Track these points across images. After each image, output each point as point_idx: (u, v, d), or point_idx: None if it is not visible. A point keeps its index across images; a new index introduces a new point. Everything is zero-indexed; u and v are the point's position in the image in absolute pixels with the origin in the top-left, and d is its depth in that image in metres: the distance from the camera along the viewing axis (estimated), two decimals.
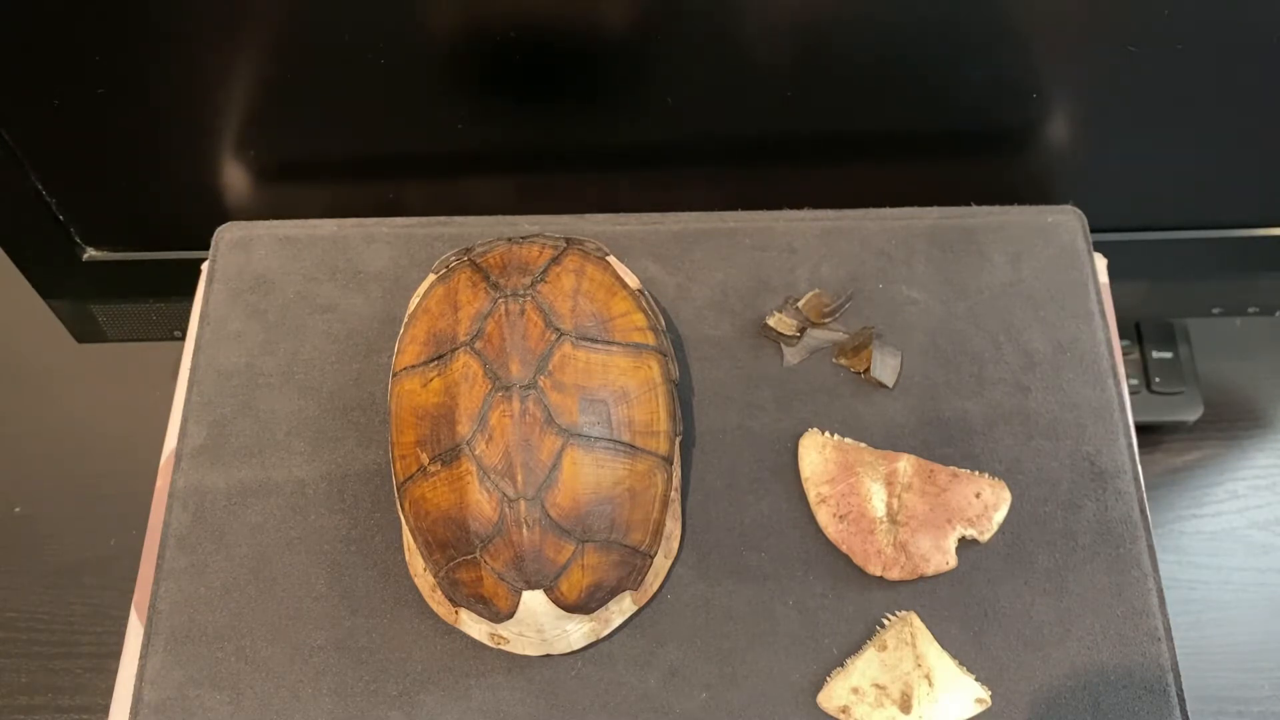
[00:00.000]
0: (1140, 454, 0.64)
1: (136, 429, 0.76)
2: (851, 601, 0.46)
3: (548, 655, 0.45)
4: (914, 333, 0.51)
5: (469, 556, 0.42)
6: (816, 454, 0.48)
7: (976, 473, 0.47)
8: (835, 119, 0.54)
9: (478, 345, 0.42)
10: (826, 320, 0.51)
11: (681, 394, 0.50)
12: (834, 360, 0.51)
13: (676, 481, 0.46)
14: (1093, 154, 0.56)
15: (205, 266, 0.54)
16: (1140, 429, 0.74)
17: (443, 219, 0.54)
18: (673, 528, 0.46)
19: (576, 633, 0.43)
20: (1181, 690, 0.44)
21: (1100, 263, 0.54)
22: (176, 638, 0.45)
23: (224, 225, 0.54)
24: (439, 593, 0.44)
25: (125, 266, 0.62)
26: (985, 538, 0.46)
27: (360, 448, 0.49)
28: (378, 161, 0.56)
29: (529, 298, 0.43)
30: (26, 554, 0.71)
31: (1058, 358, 0.50)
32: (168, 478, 0.49)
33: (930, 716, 0.43)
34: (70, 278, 0.62)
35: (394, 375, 0.45)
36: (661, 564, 0.45)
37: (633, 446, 0.43)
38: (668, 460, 0.44)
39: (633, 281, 0.47)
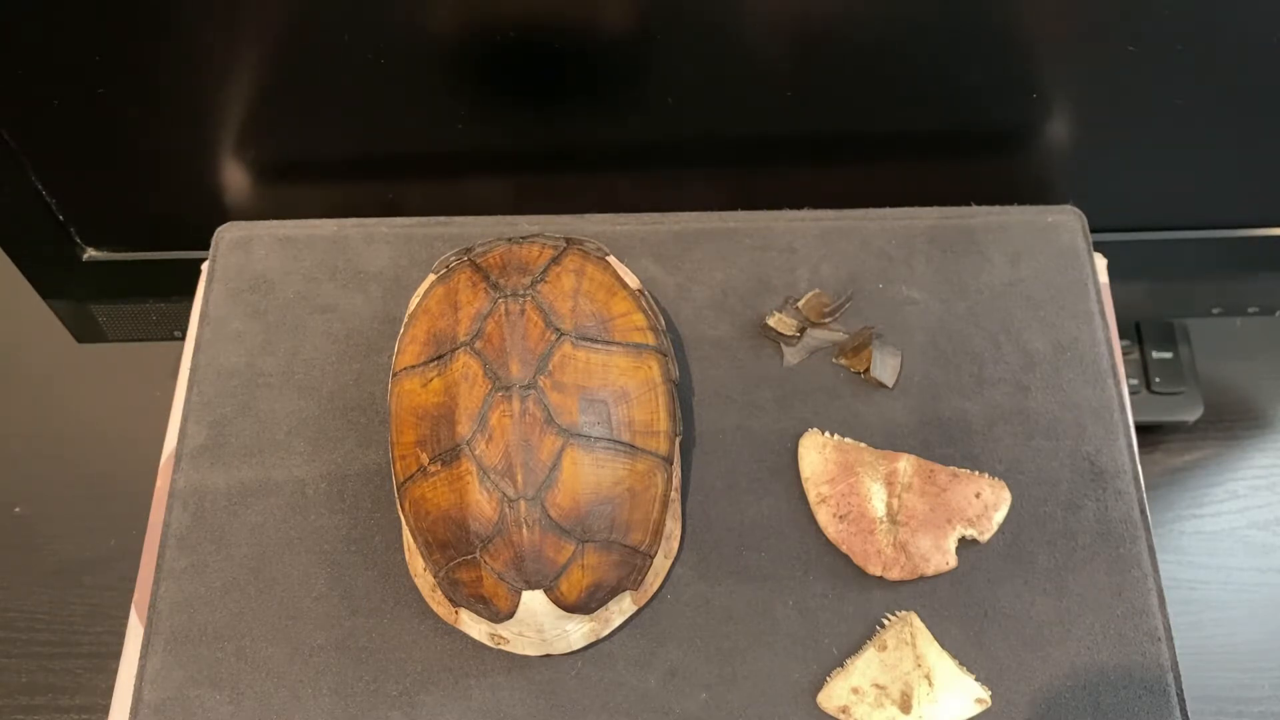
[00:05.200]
0: (1140, 454, 0.64)
1: (136, 429, 0.76)
2: (851, 601, 0.46)
3: (548, 655, 0.45)
4: (914, 333, 0.51)
5: (469, 556, 0.42)
6: (816, 454, 0.48)
7: (976, 473, 0.47)
8: (835, 119, 0.54)
9: (478, 345, 0.42)
10: (826, 320, 0.51)
11: (681, 394, 0.50)
12: (834, 360, 0.51)
13: (676, 481, 0.46)
14: (1093, 154, 0.56)
15: (205, 266, 0.54)
16: (1140, 429, 0.74)
17: (443, 219, 0.54)
18: (673, 528, 0.46)
19: (576, 633, 0.43)
20: (1181, 690, 0.44)
21: (1100, 263, 0.54)
22: (176, 638, 0.45)
23: (224, 225, 0.54)
24: (439, 593, 0.44)
25: (125, 266, 0.62)
26: (985, 538, 0.46)
27: (360, 448, 0.49)
28: (378, 161, 0.56)
29: (529, 298, 0.43)
30: (26, 554, 0.71)
31: (1058, 358, 0.50)
32: (168, 478, 0.49)
33: (930, 716, 0.43)
34: (70, 278, 0.62)
35: (394, 375, 0.45)
36: (661, 564, 0.45)
37: (633, 446, 0.43)
38: (668, 460, 0.44)
39: (633, 281, 0.47)
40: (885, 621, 0.45)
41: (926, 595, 0.46)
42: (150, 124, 0.53)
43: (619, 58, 0.51)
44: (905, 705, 0.43)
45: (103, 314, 0.65)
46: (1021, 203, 0.56)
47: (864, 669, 0.44)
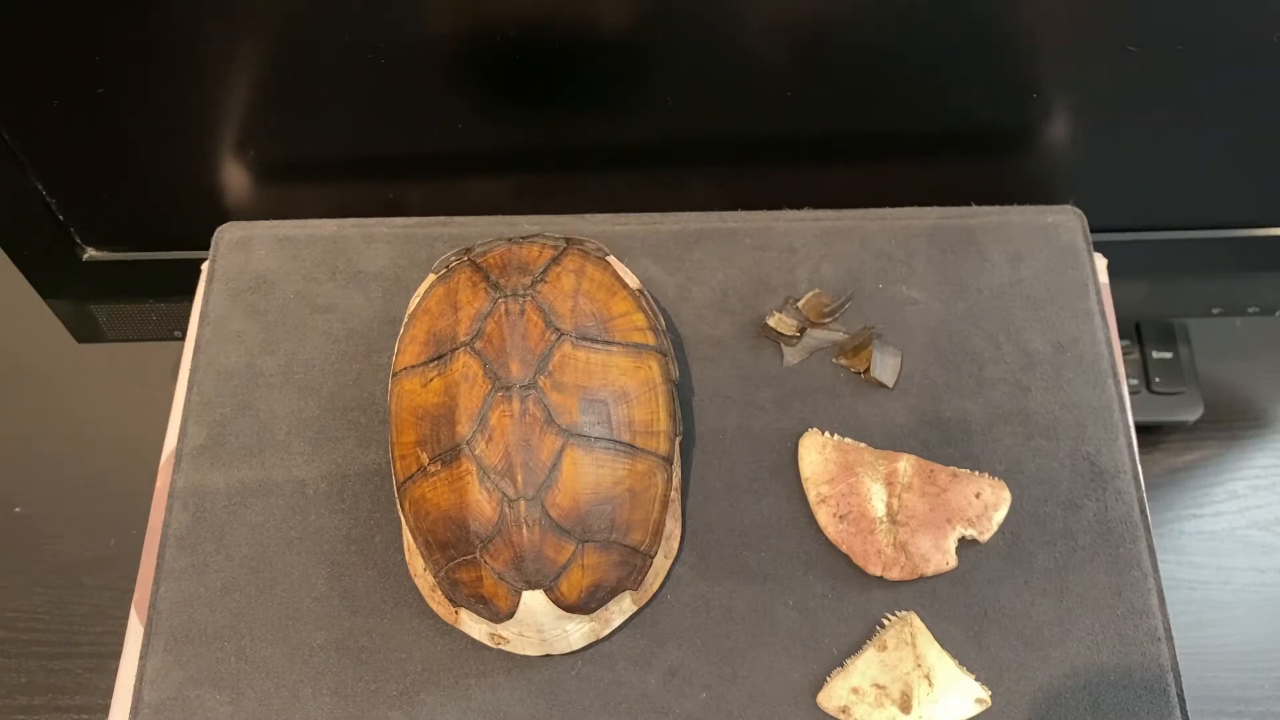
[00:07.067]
0: (1140, 454, 0.64)
1: (136, 429, 0.76)
2: (851, 601, 0.46)
3: (548, 655, 0.45)
4: (914, 333, 0.51)
5: (469, 556, 0.42)
6: (816, 454, 0.48)
7: (976, 473, 0.47)
8: (835, 119, 0.54)
9: (478, 345, 0.42)
10: (826, 320, 0.51)
11: (681, 394, 0.50)
12: (834, 360, 0.51)
13: (676, 481, 0.46)
14: (1093, 154, 0.56)
15: (205, 266, 0.54)
16: (1140, 429, 0.74)
17: (443, 219, 0.54)
18: (673, 528, 0.46)
19: (576, 633, 0.43)
20: (1181, 690, 0.44)
21: (1100, 263, 0.54)
22: (176, 638, 0.45)
23: (224, 225, 0.54)
24: (439, 593, 0.44)
25: (125, 266, 0.62)
26: (985, 538, 0.46)
27: (360, 448, 0.49)
28: (378, 161, 0.56)
29: (529, 298, 0.43)
30: (26, 554, 0.71)
31: (1058, 358, 0.50)
32: (168, 478, 0.49)
33: (930, 716, 0.43)
34: (70, 278, 0.62)
35: (394, 375, 0.45)
36: (661, 564, 0.45)
37: (633, 446, 0.43)
38: (668, 460, 0.44)
39: (633, 281, 0.47)
40: (885, 621, 0.45)
41: (926, 595, 0.46)
42: (150, 123, 0.53)
43: (619, 58, 0.51)
44: (905, 705, 0.43)
45: (103, 314, 0.65)
46: (1021, 203, 0.56)
47: (864, 669, 0.44)
